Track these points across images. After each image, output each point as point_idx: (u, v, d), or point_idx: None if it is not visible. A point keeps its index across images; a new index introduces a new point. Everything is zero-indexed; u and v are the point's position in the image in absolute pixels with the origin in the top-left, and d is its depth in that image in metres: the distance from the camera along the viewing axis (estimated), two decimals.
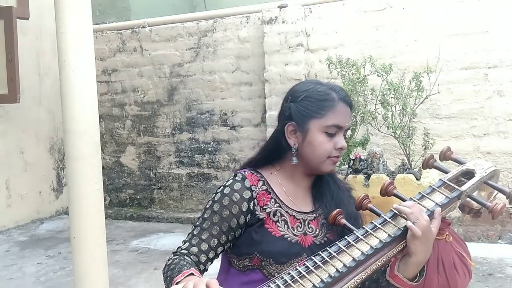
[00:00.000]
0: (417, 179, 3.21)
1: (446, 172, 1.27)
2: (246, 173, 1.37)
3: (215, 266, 1.37)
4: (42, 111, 5.57)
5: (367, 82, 3.58)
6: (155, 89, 5.58)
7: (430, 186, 1.23)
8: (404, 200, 1.20)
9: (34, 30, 5.32)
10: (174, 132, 5.52)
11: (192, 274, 1.16)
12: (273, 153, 1.40)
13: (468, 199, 1.23)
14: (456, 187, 1.20)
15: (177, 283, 1.13)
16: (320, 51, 4.71)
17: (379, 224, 1.15)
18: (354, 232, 1.16)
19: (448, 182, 1.23)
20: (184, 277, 1.14)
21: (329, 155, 1.32)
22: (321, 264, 1.08)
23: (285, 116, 1.36)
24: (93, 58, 2.67)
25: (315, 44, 4.76)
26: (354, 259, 1.08)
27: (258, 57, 4.99)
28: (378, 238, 1.12)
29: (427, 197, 1.19)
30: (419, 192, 1.21)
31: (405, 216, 1.13)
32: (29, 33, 5.24)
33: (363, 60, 3.60)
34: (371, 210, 1.21)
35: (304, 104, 1.32)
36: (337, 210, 1.23)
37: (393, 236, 1.12)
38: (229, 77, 5.20)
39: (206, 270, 1.31)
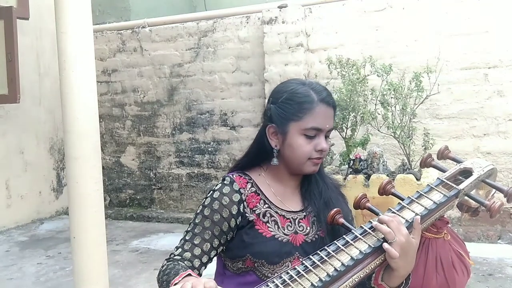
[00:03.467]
0: (417, 179, 3.21)
1: (444, 171, 1.27)
2: (234, 176, 1.38)
3: (211, 268, 1.37)
4: (42, 111, 5.57)
5: (367, 82, 3.58)
6: (155, 89, 5.58)
7: (428, 184, 1.23)
8: (402, 199, 1.20)
9: (34, 30, 5.33)
10: (174, 132, 5.53)
11: (189, 275, 1.16)
12: (258, 155, 1.40)
13: (466, 197, 1.23)
14: (454, 185, 1.20)
15: (175, 284, 1.13)
16: (320, 51, 4.71)
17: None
18: (353, 231, 1.16)
19: (446, 181, 1.23)
20: (182, 278, 1.14)
21: (310, 157, 1.31)
22: (319, 263, 1.08)
23: (267, 117, 1.36)
24: (93, 58, 2.67)
25: (315, 44, 4.76)
26: (352, 258, 1.08)
27: (258, 57, 5.00)
28: (376, 237, 1.12)
29: (425, 196, 1.19)
30: (417, 191, 1.21)
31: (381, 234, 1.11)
32: (29, 33, 5.25)
33: (363, 60, 3.60)
34: (370, 209, 1.21)
35: (283, 106, 1.31)
36: (335, 209, 1.23)
37: None
38: (229, 77, 5.20)
39: (200, 275, 1.30)
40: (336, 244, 1.13)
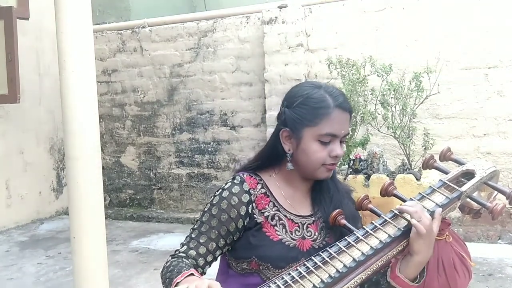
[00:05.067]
0: (417, 180, 3.21)
1: (446, 173, 1.27)
2: (245, 176, 1.36)
3: (214, 266, 1.36)
4: (42, 111, 5.57)
5: (367, 83, 3.58)
6: (155, 89, 5.58)
7: (430, 186, 1.23)
8: (404, 201, 1.21)
9: (34, 30, 5.32)
10: (174, 132, 5.52)
11: (192, 274, 1.16)
12: (271, 158, 1.37)
13: (468, 199, 1.23)
14: (456, 187, 1.20)
15: (177, 283, 1.12)
16: (320, 51, 4.71)
17: (379, 225, 1.15)
18: (354, 232, 1.16)
19: (448, 183, 1.23)
20: (184, 278, 1.14)
21: (324, 163, 1.28)
22: (321, 265, 1.08)
23: (281, 121, 1.33)
24: (93, 58, 2.66)
25: (315, 44, 4.76)
26: (354, 260, 1.08)
27: (258, 57, 4.99)
28: (378, 239, 1.12)
29: (427, 198, 1.19)
30: (419, 193, 1.21)
31: (408, 216, 1.12)
32: (29, 33, 5.24)
33: (363, 60, 3.60)
34: (371, 211, 1.21)
35: (298, 111, 1.28)
36: (337, 210, 1.23)
37: (393, 236, 1.12)
38: (229, 77, 5.20)
39: (204, 273, 1.29)
40: (337, 245, 1.13)
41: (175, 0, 6.97)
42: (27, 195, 5.37)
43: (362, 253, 1.09)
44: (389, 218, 1.16)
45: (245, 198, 1.31)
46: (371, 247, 1.10)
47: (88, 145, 2.60)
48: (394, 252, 1.13)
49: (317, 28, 4.74)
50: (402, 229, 1.13)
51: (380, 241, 1.11)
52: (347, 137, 1.36)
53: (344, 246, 1.12)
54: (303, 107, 1.28)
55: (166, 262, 1.28)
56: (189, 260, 1.27)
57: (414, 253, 1.12)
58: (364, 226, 1.16)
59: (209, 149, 5.36)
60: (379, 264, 1.10)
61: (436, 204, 1.17)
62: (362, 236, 1.13)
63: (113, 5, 6.15)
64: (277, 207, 1.33)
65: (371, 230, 1.14)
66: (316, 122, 1.25)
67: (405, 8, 4.41)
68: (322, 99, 1.27)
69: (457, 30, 4.24)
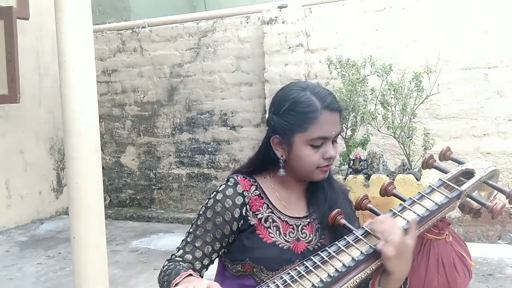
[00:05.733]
0: (417, 179, 3.21)
1: (446, 172, 1.27)
2: (239, 178, 1.35)
3: (212, 268, 1.36)
4: (42, 111, 5.57)
5: (367, 82, 3.58)
6: (155, 89, 5.58)
7: (429, 186, 1.23)
8: (403, 200, 1.20)
9: (34, 30, 5.32)
10: (174, 132, 5.52)
11: (191, 275, 1.15)
12: (263, 164, 1.36)
13: (468, 199, 1.22)
14: (456, 187, 1.20)
15: (176, 284, 1.12)
16: (320, 51, 4.71)
17: None
18: (354, 232, 1.15)
19: (447, 182, 1.22)
20: (183, 278, 1.14)
21: (318, 166, 1.26)
22: (320, 264, 1.08)
23: (270, 128, 1.30)
24: (93, 58, 2.67)
25: (315, 44, 4.76)
26: (353, 259, 1.08)
27: (258, 57, 4.99)
28: (378, 238, 1.12)
29: (427, 197, 1.19)
30: (419, 192, 1.21)
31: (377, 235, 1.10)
32: (29, 33, 5.24)
33: (363, 60, 3.60)
34: (371, 210, 1.21)
35: (286, 117, 1.26)
36: (337, 210, 1.23)
37: None
38: (229, 77, 5.20)
39: (202, 276, 1.28)
40: (337, 244, 1.12)
41: (175, 0, 6.98)
42: (27, 195, 5.37)
43: (362, 252, 1.09)
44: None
45: (239, 200, 1.30)
46: (370, 246, 1.10)
47: (88, 145, 2.61)
48: None
49: (317, 28, 4.74)
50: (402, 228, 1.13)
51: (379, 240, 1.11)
52: (341, 134, 1.35)
53: (343, 246, 1.11)
54: (290, 113, 1.25)
55: (163, 267, 1.27)
56: (186, 264, 1.27)
57: (389, 271, 1.09)
58: (363, 226, 1.16)
59: (209, 149, 5.36)
60: (379, 263, 1.10)
61: (436, 203, 1.17)
62: (361, 235, 1.13)
63: (113, 5, 6.15)
64: (271, 209, 1.32)
65: (370, 229, 1.14)
66: (305, 127, 1.23)
67: (405, 8, 4.41)
68: (309, 102, 1.24)
69: (457, 30, 4.24)
